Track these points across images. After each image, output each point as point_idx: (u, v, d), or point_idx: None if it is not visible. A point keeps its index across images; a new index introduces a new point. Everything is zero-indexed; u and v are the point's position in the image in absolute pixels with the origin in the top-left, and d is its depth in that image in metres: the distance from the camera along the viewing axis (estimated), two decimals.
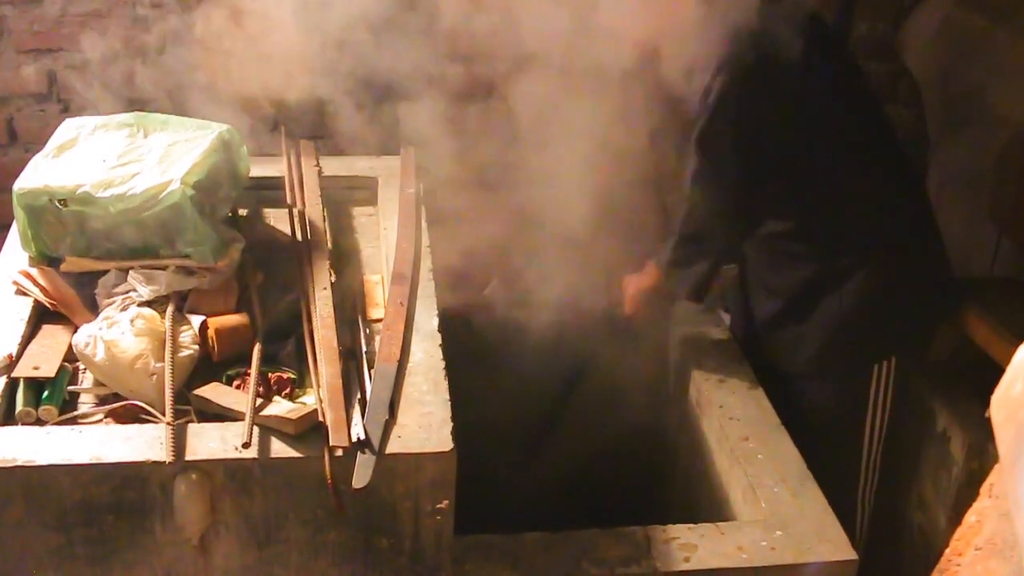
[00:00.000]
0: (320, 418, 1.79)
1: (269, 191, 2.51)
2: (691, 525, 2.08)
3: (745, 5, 2.30)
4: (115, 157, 2.18)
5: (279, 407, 1.83)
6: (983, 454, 2.52)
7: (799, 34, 2.31)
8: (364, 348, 2.03)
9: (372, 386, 1.90)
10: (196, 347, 1.96)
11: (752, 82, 2.28)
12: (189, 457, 1.72)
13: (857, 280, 2.42)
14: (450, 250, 2.56)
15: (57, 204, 2.08)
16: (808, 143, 2.36)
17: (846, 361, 2.51)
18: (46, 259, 2.15)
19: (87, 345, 1.89)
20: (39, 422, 1.83)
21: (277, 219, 2.46)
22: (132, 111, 2.40)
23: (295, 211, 2.37)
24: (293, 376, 1.96)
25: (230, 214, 2.33)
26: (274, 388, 1.91)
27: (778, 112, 2.30)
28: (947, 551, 1.62)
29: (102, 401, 1.90)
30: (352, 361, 1.99)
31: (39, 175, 2.13)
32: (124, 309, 2.00)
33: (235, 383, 1.93)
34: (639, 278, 2.67)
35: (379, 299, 2.22)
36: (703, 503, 2.48)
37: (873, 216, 2.42)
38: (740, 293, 2.72)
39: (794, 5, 2.40)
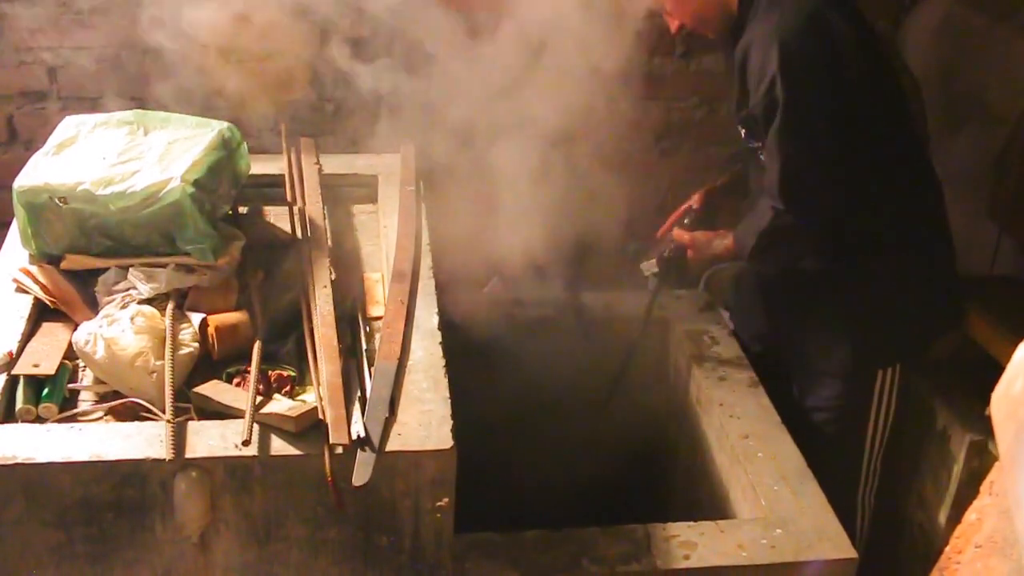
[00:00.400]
0: (320, 416, 1.79)
1: (269, 189, 2.51)
2: (691, 523, 2.08)
3: None
4: (115, 155, 2.17)
5: (279, 405, 1.83)
6: (983, 452, 2.52)
7: (850, 21, 2.26)
8: (364, 346, 2.03)
9: (372, 384, 1.90)
10: (196, 345, 1.96)
11: (818, 69, 2.21)
12: (189, 455, 1.72)
13: (864, 281, 2.41)
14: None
15: (57, 202, 2.08)
16: (850, 138, 2.29)
17: (850, 362, 2.50)
18: (46, 256, 2.15)
19: (87, 343, 1.89)
20: (39, 420, 1.83)
21: (277, 217, 2.46)
22: (132, 108, 2.40)
23: (295, 209, 2.37)
24: (293, 374, 1.96)
25: (230, 212, 2.33)
26: (274, 386, 1.91)
27: (833, 102, 2.23)
28: (947, 549, 1.62)
29: (102, 399, 1.90)
30: (352, 359, 1.99)
31: (39, 173, 2.13)
32: (124, 307, 1.99)
33: (235, 381, 1.93)
34: (716, 242, 2.53)
35: (379, 297, 2.22)
36: (703, 501, 2.48)
37: (887, 215, 2.38)
38: (742, 290, 2.72)
39: None
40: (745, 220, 2.45)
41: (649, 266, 2.66)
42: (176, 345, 1.91)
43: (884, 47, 2.46)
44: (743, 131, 2.41)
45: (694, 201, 2.67)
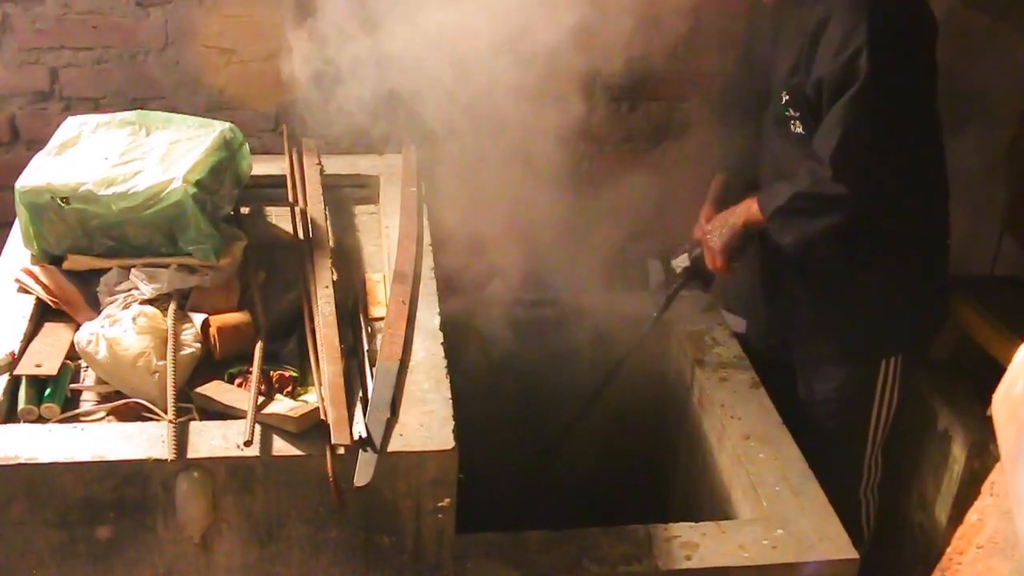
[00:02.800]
0: (322, 416, 1.79)
1: (271, 189, 2.51)
2: (692, 524, 2.08)
3: None
4: (117, 155, 2.18)
5: (281, 405, 1.83)
6: (984, 453, 2.52)
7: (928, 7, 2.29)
8: (366, 347, 2.03)
9: (374, 384, 1.90)
10: (198, 345, 1.96)
11: (906, 48, 2.24)
12: (191, 455, 1.73)
13: (872, 271, 2.41)
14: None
15: (59, 202, 2.08)
16: (913, 121, 2.31)
17: (856, 350, 2.50)
18: (48, 257, 2.16)
19: (89, 343, 1.89)
20: (41, 420, 1.83)
21: (279, 217, 2.46)
22: (134, 109, 2.40)
23: (297, 209, 2.37)
24: (295, 374, 1.96)
25: (232, 212, 2.33)
26: (276, 386, 1.91)
27: (912, 84, 2.26)
28: (948, 549, 1.63)
29: (104, 399, 1.90)
30: (354, 359, 1.99)
31: (41, 173, 2.14)
32: (126, 307, 2.00)
33: (237, 381, 1.93)
34: (730, 214, 2.47)
35: (381, 298, 2.22)
36: (704, 502, 2.48)
37: (905, 207, 2.37)
38: (752, 278, 2.70)
39: None
40: (776, 185, 2.39)
41: (681, 261, 2.63)
42: (178, 345, 1.91)
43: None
44: (785, 97, 2.36)
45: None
